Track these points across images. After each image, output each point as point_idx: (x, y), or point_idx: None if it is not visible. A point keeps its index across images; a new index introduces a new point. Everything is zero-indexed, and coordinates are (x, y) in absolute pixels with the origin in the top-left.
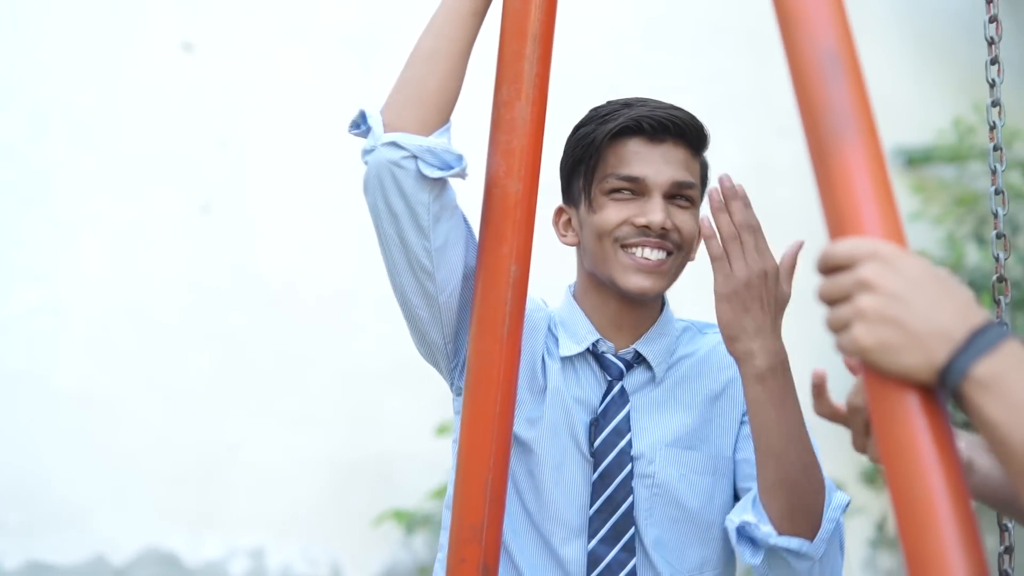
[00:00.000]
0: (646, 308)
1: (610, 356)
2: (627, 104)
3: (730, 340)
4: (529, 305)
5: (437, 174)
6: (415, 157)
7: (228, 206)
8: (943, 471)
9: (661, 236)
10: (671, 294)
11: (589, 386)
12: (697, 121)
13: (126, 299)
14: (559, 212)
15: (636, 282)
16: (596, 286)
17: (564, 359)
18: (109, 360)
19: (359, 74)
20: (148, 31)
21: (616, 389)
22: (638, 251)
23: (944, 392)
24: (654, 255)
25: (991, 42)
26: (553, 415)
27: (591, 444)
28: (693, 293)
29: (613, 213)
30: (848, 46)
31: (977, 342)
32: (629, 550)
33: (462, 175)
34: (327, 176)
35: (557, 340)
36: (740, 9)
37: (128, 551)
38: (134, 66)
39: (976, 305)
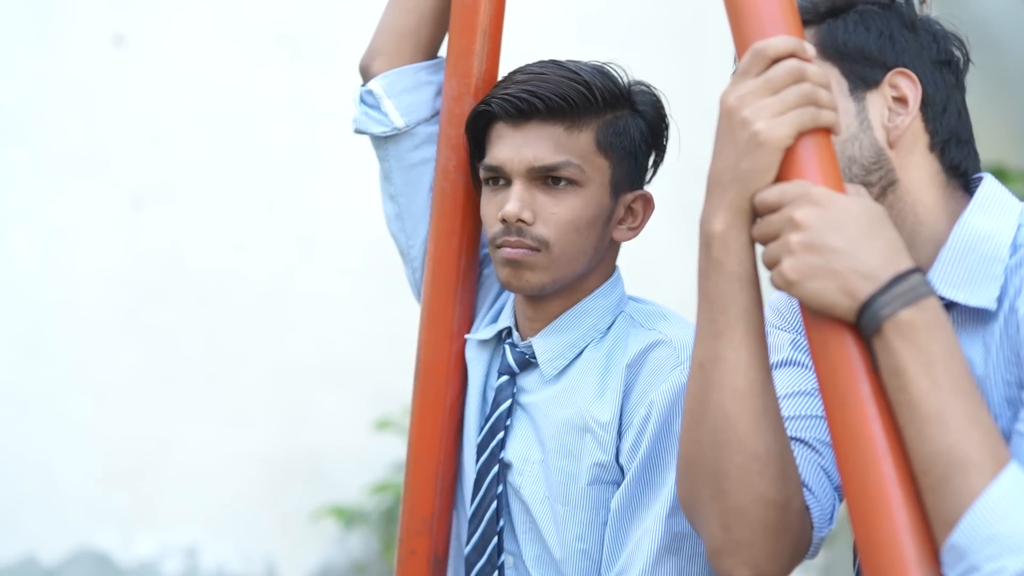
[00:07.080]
0: (552, 298)
1: (507, 347)
2: (502, 82)
3: None
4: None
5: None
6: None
7: (159, 202)
8: (876, 402)
9: (519, 233)
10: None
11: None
12: (571, 88)
13: (56, 295)
14: None
15: (504, 277)
16: None
17: (481, 342)
18: (39, 357)
19: (291, 69)
20: (78, 24)
21: (501, 381)
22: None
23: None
24: (513, 253)
25: None
26: (470, 398)
27: (479, 437)
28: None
29: (487, 208)
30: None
31: (900, 285)
32: (492, 563)
33: (367, 131)
34: (259, 172)
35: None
36: (672, 8)
37: (59, 551)
38: (64, 59)
39: (903, 250)
